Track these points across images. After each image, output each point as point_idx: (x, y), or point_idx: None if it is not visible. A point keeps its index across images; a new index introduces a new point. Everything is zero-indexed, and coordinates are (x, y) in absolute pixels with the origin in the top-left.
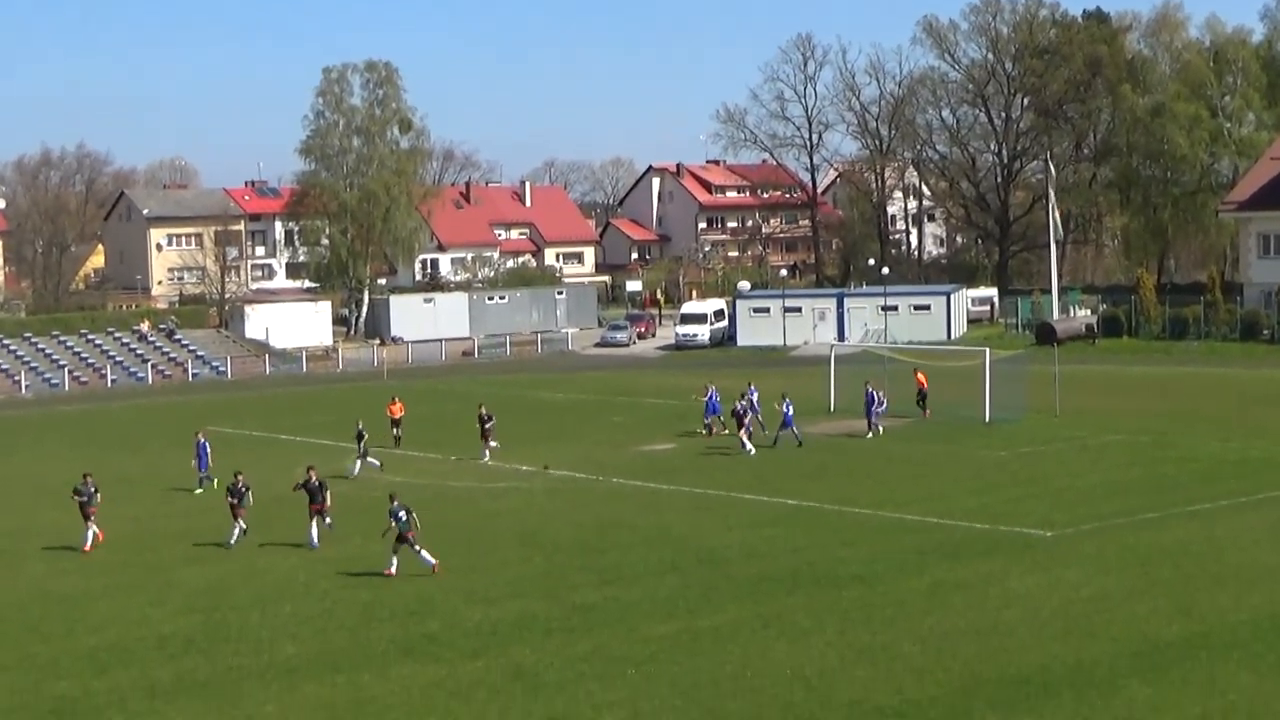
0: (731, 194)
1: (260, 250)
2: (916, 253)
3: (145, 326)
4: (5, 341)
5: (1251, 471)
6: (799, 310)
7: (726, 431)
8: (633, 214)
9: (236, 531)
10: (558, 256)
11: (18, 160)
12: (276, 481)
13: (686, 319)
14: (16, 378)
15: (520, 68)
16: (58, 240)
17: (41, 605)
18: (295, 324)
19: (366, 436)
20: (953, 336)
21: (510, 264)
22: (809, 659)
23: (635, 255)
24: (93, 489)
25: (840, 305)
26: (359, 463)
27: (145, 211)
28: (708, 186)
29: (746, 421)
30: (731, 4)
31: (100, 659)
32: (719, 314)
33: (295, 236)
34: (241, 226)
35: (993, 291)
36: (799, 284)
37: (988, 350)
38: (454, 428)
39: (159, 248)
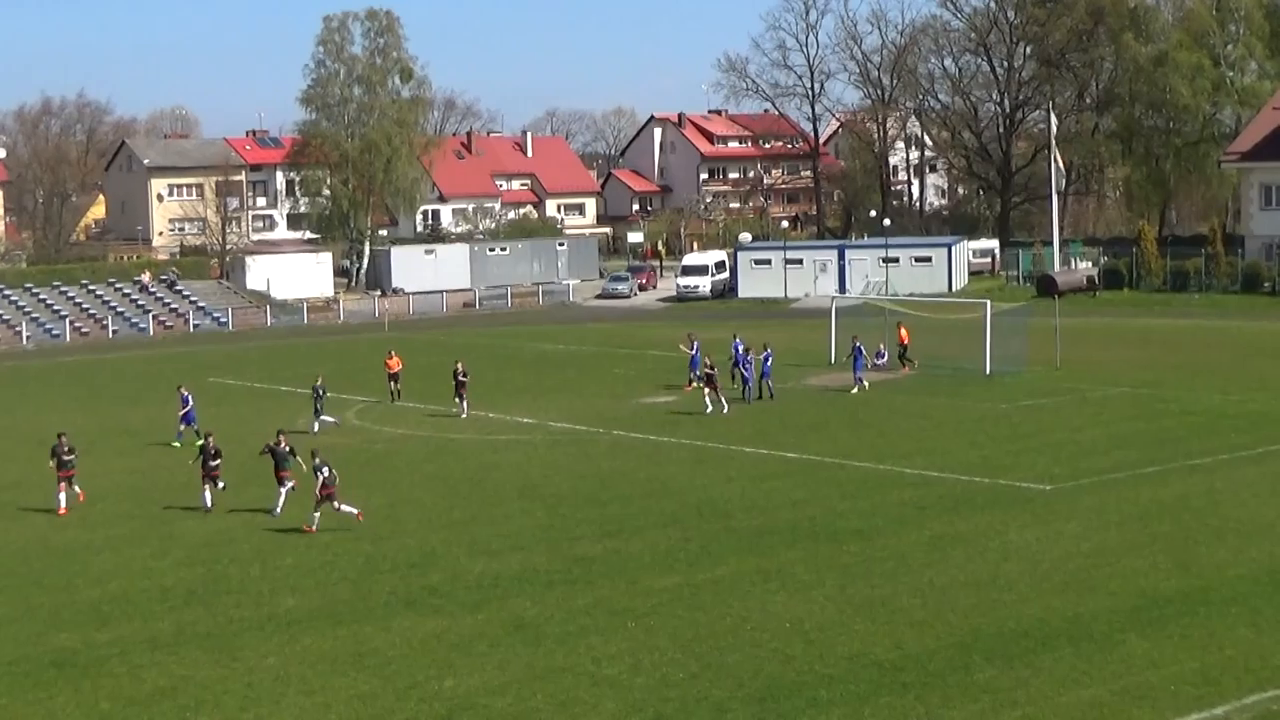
0: (733, 144)
1: (261, 201)
2: (918, 204)
3: (146, 277)
4: (6, 292)
5: (1251, 425)
6: (800, 262)
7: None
8: (634, 165)
9: (208, 495)
10: (559, 208)
11: (18, 109)
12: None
13: (688, 270)
14: (17, 328)
15: (521, 16)
16: (58, 190)
17: (43, 557)
18: (296, 275)
19: (325, 395)
20: (954, 288)
21: (511, 215)
22: (809, 612)
23: (636, 206)
24: (68, 449)
25: (841, 257)
26: (317, 421)
27: (146, 161)
28: (709, 137)
29: (747, 376)
30: None
31: (102, 611)
32: (720, 265)
33: (296, 187)
34: (242, 177)
35: (994, 243)
36: (800, 236)
37: (989, 302)
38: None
39: (160, 198)
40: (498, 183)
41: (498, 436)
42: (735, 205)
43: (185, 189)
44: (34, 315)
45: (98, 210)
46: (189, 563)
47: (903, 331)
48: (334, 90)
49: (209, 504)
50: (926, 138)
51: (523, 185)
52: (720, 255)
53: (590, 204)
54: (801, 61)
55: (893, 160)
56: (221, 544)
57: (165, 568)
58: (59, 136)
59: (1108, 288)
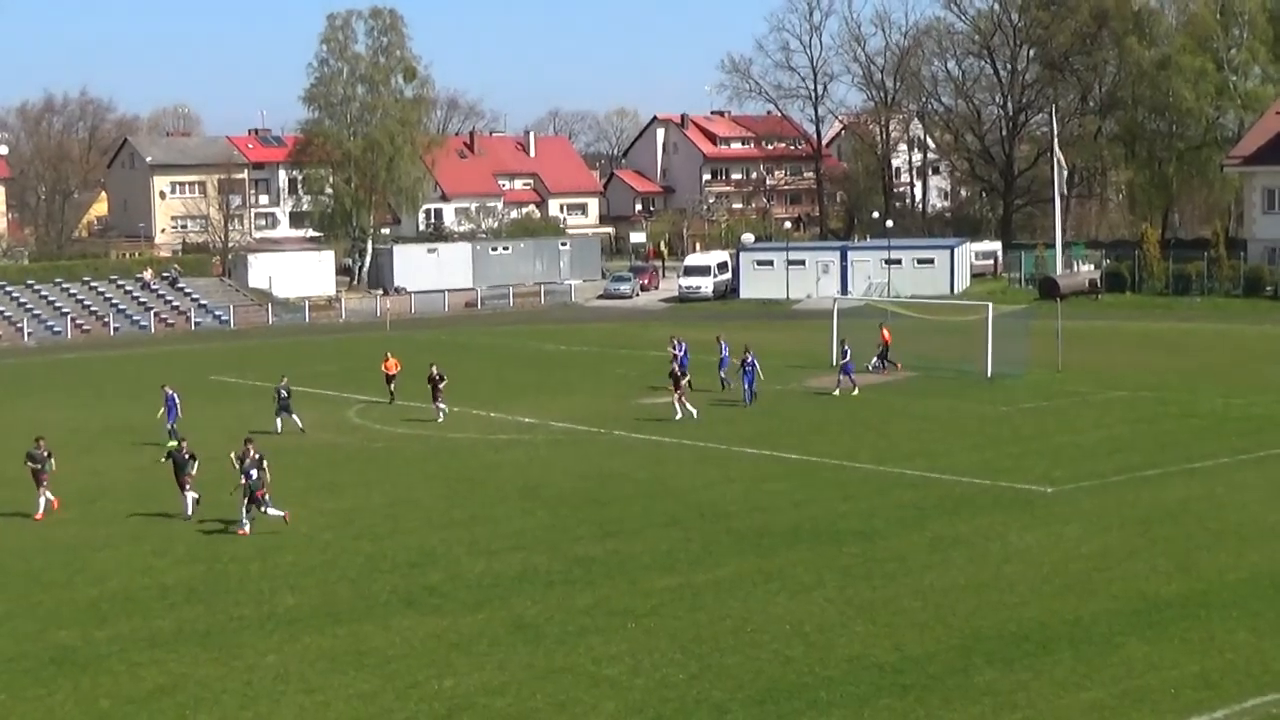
0: (736, 146)
1: (263, 199)
2: (921, 206)
3: (148, 274)
4: (8, 288)
5: (1253, 429)
6: (802, 263)
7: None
8: (637, 165)
9: (190, 501)
10: (562, 207)
11: (21, 106)
12: (281, 432)
13: (690, 271)
14: (19, 325)
15: (525, 15)
16: (61, 187)
17: (43, 554)
18: (298, 273)
19: (287, 396)
20: (956, 290)
21: (514, 215)
22: (809, 614)
23: (639, 207)
24: (46, 454)
25: (844, 258)
26: (279, 419)
27: (148, 159)
28: (712, 138)
29: (748, 378)
30: None
31: (101, 608)
32: (722, 266)
33: (299, 185)
34: (245, 175)
35: (996, 245)
36: (803, 237)
37: (990, 305)
38: (456, 379)
39: (162, 195)
40: (500, 182)
41: (499, 436)
42: (738, 206)
43: (188, 186)
44: (36, 312)
45: (100, 207)
46: (189, 560)
47: (885, 333)
48: (337, 89)
49: (189, 512)
50: (929, 140)
51: (525, 185)
52: (722, 256)
53: (593, 204)
54: (805, 63)
55: (895, 162)
56: (221, 542)
57: (165, 565)
58: (62, 133)
59: (1110, 291)
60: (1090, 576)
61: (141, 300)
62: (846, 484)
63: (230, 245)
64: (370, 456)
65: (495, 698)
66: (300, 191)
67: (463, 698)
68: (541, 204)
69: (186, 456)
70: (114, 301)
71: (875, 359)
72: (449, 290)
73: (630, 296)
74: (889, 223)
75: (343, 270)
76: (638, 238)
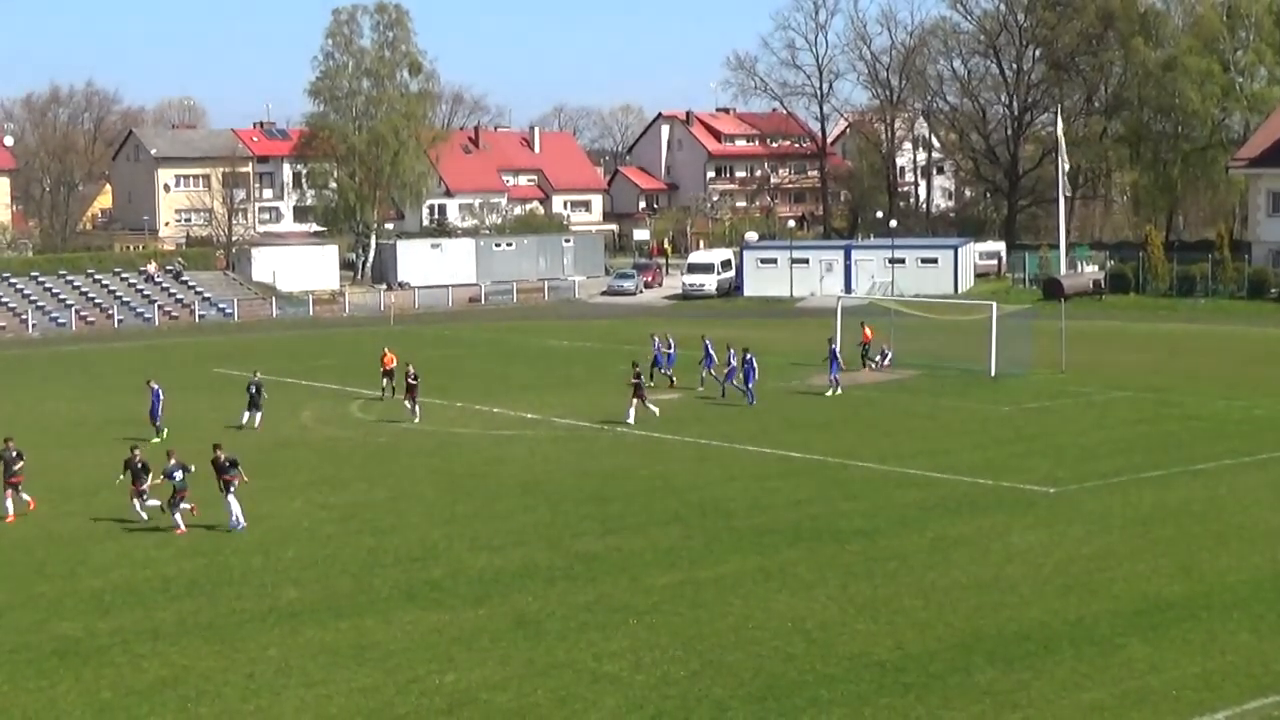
0: (741, 143)
1: (268, 193)
2: (925, 205)
3: (152, 267)
4: (12, 280)
5: (1256, 431)
6: (806, 261)
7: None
8: (641, 162)
9: (176, 515)
10: (565, 204)
11: (26, 97)
12: (282, 426)
13: (693, 268)
14: (24, 316)
15: (530, 11)
16: (65, 179)
17: (46, 546)
18: (302, 267)
19: (255, 392)
20: (959, 290)
21: (518, 211)
22: (810, 612)
23: (643, 204)
24: (15, 454)
25: (847, 257)
26: (246, 414)
27: (153, 151)
28: (717, 135)
29: (750, 378)
30: None
31: (104, 600)
32: (726, 264)
33: (303, 179)
34: (249, 168)
35: (1000, 245)
36: (807, 235)
37: (994, 304)
38: (459, 374)
39: (167, 188)
40: (504, 178)
41: (501, 431)
42: (742, 204)
43: (192, 179)
44: (40, 304)
45: (104, 200)
46: (191, 553)
47: (866, 331)
48: (342, 83)
49: (144, 517)
50: (934, 139)
51: (529, 181)
52: (726, 254)
53: (597, 201)
54: (810, 61)
55: (900, 161)
56: (223, 536)
57: (167, 558)
58: (67, 125)
59: (1113, 291)
60: (1092, 577)
61: (145, 293)
62: (849, 482)
63: (234, 239)
64: (373, 451)
65: (496, 693)
66: (304, 185)
67: (464, 692)
68: (545, 200)
69: (140, 464)
70: (118, 294)
71: (878, 356)
72: (452, 286)
73: (634, 293)
74: (893, 222)
75: (346, 265)
76: (641, 235)
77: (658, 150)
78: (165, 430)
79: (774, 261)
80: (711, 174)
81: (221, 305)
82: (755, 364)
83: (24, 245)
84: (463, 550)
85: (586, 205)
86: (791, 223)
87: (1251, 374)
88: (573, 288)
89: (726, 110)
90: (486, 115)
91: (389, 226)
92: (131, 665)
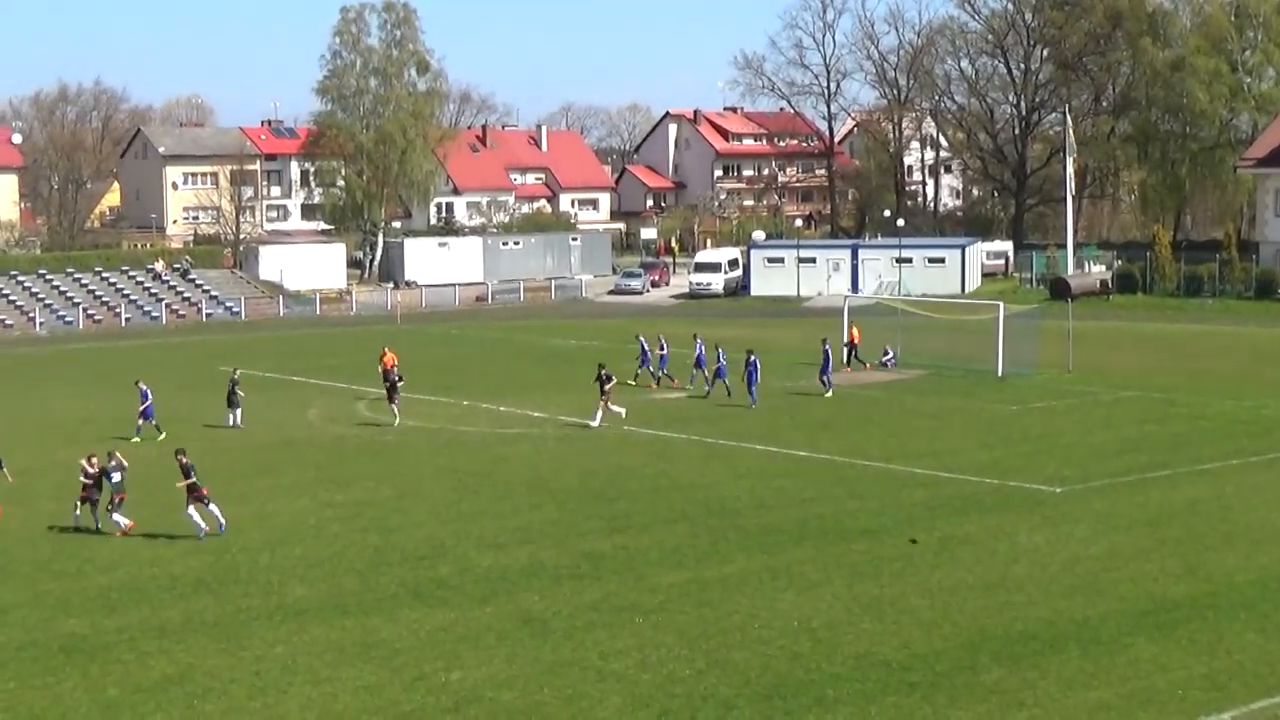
0: (748, 142)
1: (275, 191)
2: (932, 205)
3: (160, 265)
4: (20, 278)
5: (1263, 431)
6: (813, 261)
7: (675, 382)
8: (649, 161)
9: (115, 516)
10: (573, 202)
11: (35, 95)
12: (288, 424)
13: (701, 267)
14: (31, 314)
15: (538, 10)
16: (73, 177)
17: (52, 543)
18: (309, 266)
19: (240, 393)
20: (967, 290)
21: (525, 209)
22: (816, 610)
23: (651, 202)
24: None
25: (855, 256)
26: (231, 414)
27: (161, 149)
28: (724, 134)
29: (752, 381)
30: None
31: (110, 597)
32: (733, 263)
33: (311, 178)
34: (257, 166)
35: (1008, 245)
36: (814, 234)
37: (1001, 304)
38: (465, 372)
39: (175, 186)
40: (512, 176)
41: (508, 430)
42: (749, 203)
43: (200, 178)
44: (47, 302)
45: (112, 198)
46: (197, 551)
47: (855, 331)
48: (350, 81)
49: (76, 521)
50: (942, 139)
51: (537, 179)
52: (733, 253)
53: (604, 199)
54: (818, 60)
55: (908, 161)
56: (230, 533)
57: (174, 556)
58: (75, 123)
59: (1121, 291)
60: (1098, 577)
61: (153, 291)
62: (855, 482)
63: (242, 237)
64: (379, 449)
65: (502, 691)
66: (312, 184)
67: (470, 691)
68: (553, 199)
69: (97, 472)
70: (125, 292)
71: (883, 355)
72: (459, 284)
73: (641, 292)
74: (900, 221)
75: (353, 263)
76: (649, 233)
77: (665, 149)
78: (157, 431)
79: (781, 261)
80: (719, 173)
81: (229, 304)
82: (759, 365)
83: (32, 243)
84: (469, 548)
85: (594, 204)
86: (799, 222)
87: (1259, 374)
88: (580, 286)
89: (734, 109)
90: (494, 114)
91: (396, 225)
92: (138, 663)
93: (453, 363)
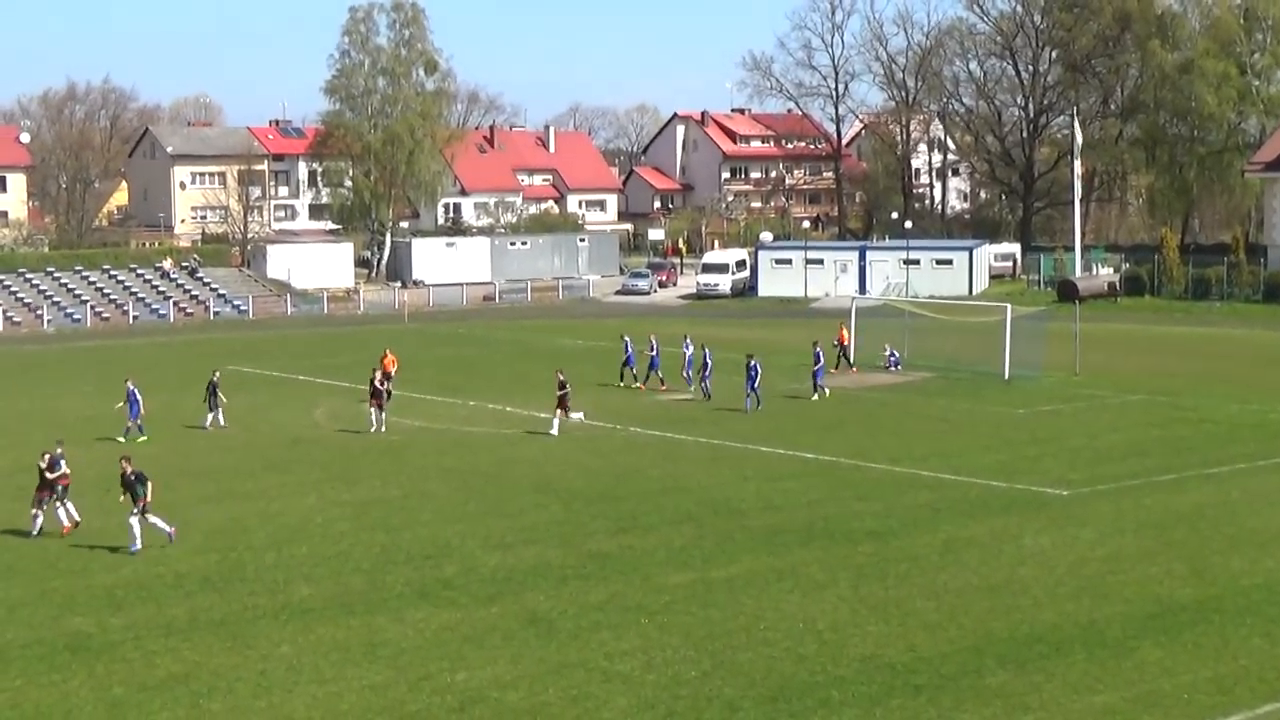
0: (756, 144)
1: (283, 190)
2: (940, 207)
3: (168, 264)
4: (28, 276)
5: (1270, 435)
6: (821, 262)
7: (664, 386)
8: (656, 162)
9: (59, 513)
10: (580, 203)
11: (43, 94)
12: (295, 423)
13: (708, 268)
14: (39, 312)
15: (546, 10)
16: (82, 176)
17: (59, 541)
18: (317, 265)
19: (219, 394)
20: (974, 292)
21: (533, 210)
22: (822, 612)
23: (658, 204)
24: None
25: (862, 258)
26: (209, 416)
27: (169, 149)
28: (732, 136)
29: (752, 385)
30: None
31: (116, 595)
32: (741, 264)
33: (318, 177)
34: (265, 166)
35: (1015, 247)
36: (821, 236)
37: (1009, 306)
38: (472, 372)
39: (182, 186)
40: (519, 177)
41: (514, 430)
42: (757, 204)
43: (208, 177)
44: (55, 299)
45: (120, 196)
46: (203, 550)
47: (843, 332)
48: (358, 81)
49: (39, 528)
50: (950, 141)
51: (544, 180)
52: (741, 254)
53: (612, 200)
54: (826, 62)
55: (915, 163)
56: (236, 532)
57: (180, 554)
58: (83, 122)
59: (1129, 294)
60: (1104, 580)
61: (161, 289)
62: (861, 484)
63: (249, 236)
64: (386, 449)
65: (508, 691)
66: (320, 183)
67: (475, 691)
68: (560, 200)
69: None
70: (133, 290)
71: (891, 357)
72: (467, 284)
73: (648, 293)
74: (908, 223)
75: (361, 263)
76: (656, 234)
77: (673, 150)
78: (128, 433)
79: (789, 262)
80: (726, 174)
81: (236, 302)
82: (759, 369)
83: (40, 241)
84: (475, 548)
85: (601, 205)
86: (806, 223)
87: (1266, 377)
88: (587, 287)
89: (742, 111)
90: (502, 115)
91: (404, 225)
92: (144, 661)
93: (459, 363)
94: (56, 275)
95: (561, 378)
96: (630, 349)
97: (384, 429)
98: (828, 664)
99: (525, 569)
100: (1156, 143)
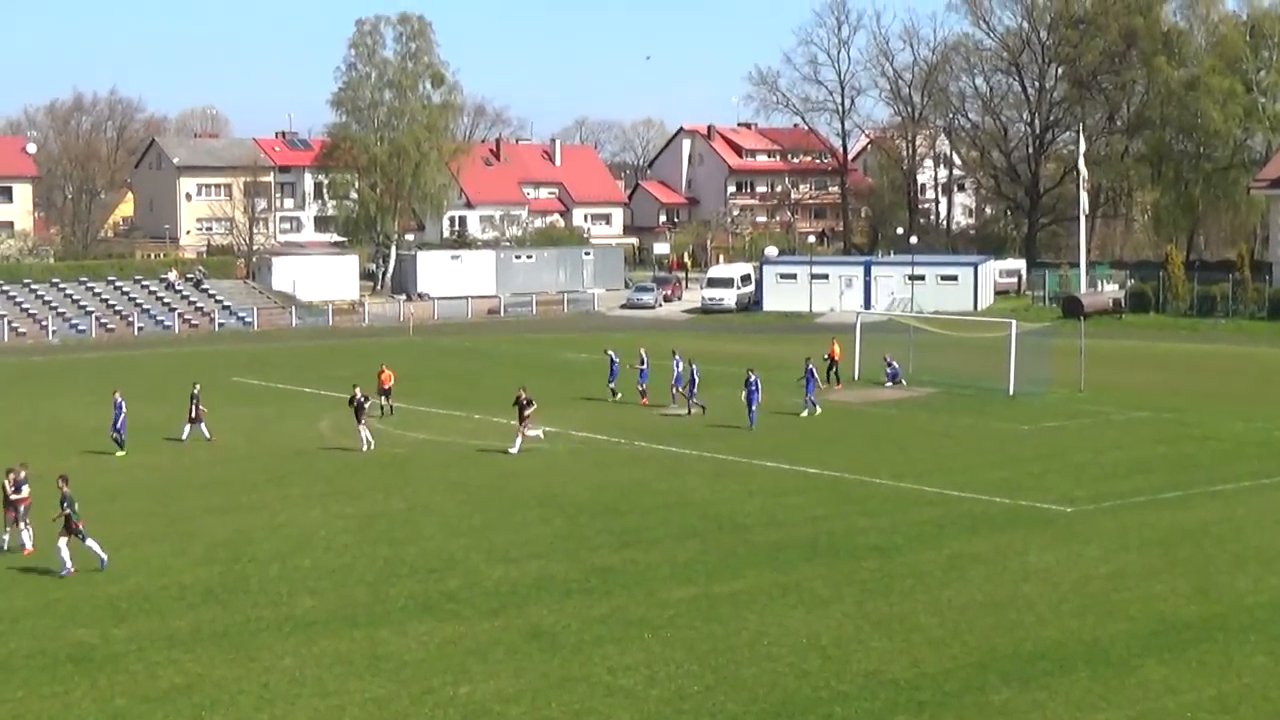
0: (762, 158)
1: (289, 202)
2: (945, 222)
3: (173, 275)
4: (34, 287)
5: (1275, 452)
6: (826, 277)
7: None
8: (662, 176)
9: (24, 537)
10: (586, 217)
11: (50, 105)
12: (300, 435)
13: (713, 283)
14: (44, 323)
15: (552, 24)
16: (88, 187)
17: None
18: (322, 277)
19: (200, 409)
20: (979, 307)
21: (538, 223)
22: (826, 628)
23: (664, 218)
24: None
25: (867, 273)
26: (188, 428)
27: (175, 160)
28: (738, 150)
29: (753, 400)
30: None
31: (120, 607)
32: (746, 279)
33: (324, 189)
34: (271, 178)
35: (1020, 263)
36: (827, 251)
37: (1014, 322)
38: (477, 386)
39: (188, 197)
40: (525, 190)
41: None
42: (762, 219)
43: (214, 189)
44: (60, 310)
45: (126, 208)
46: (207, 561)
47: (835, 348)
48: (364, 93)
49: (5, 545)
50: (955, 156)
51: (550, 194)
52: (746, 268)
53: (617, 214)
54: (832, 76)
55: (921, 178)
56: (240, 544)
57: (183, 566)
58: (90, 133)
59: (1134, 311)
60: (1108, 597)
61: (166, 301)
62: (865, 499)
63: (255, 248)
64: (389, 462)
65: (510, 705)
66: (325, 196)
67: (478, 704)
68: (566, 213)
69: (14, 487)
70: (138, 301)
71: (892, 371)
72: (472, 297)
73: (653, 307)
74: (913, 238)
75: (366, 275)
76: (661, 248)
77: (678, 164)
78: (118, 446)
79: (794, 277)
80: (732, 189)
81: (241, 314)
82: (759, 385)
83: (45, 252)
84: (479, 562)
85: (607, 218)
86: (812, 238)
87: (1271, 395)
88: (592, 300)
89: (748, 125)
90: (508, 128)
91: (409, 237)
92: (146, 672)
93: (464, 376)
94: (61, 286)
95: (524, 396)
96: (615, 364)
97: (372, 445)
98: (831, 680)
99: (529, 582)
100: (1162, 159)
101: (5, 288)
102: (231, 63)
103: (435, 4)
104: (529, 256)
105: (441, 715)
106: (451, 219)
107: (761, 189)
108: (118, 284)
